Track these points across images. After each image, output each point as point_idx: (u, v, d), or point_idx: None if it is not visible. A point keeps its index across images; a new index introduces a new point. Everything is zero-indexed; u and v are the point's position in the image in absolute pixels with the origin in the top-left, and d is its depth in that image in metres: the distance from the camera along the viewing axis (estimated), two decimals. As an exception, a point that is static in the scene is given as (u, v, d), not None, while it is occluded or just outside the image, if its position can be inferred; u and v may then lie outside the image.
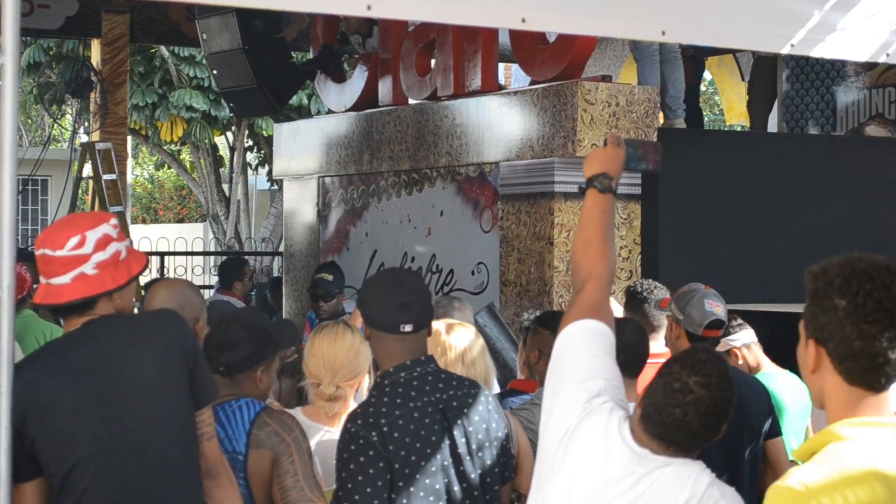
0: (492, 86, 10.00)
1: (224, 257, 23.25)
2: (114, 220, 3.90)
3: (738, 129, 17.00)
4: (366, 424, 4.06)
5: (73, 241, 3.76)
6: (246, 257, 21.63)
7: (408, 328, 4.16)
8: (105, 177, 13.74)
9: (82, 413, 3.69)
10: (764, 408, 5.57)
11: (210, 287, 18.88)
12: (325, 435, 4.76)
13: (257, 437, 4.35)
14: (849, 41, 4.82)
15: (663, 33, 4.39)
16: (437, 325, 5.09)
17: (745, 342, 6.39)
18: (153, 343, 3.82)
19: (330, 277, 9.63)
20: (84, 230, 3.78)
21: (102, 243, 3.80)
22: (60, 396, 3.69)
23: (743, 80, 15.08)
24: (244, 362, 4.49)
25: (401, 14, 4.29)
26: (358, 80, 11.78)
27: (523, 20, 4.12)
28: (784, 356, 5.84)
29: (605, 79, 9.16)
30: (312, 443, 4.66)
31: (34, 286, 5.64)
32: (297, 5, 4.00)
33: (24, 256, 6.06)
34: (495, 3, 4.13)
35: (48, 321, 7.23)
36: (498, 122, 9.46)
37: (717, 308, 5.72)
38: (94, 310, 3.81)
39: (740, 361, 6.29)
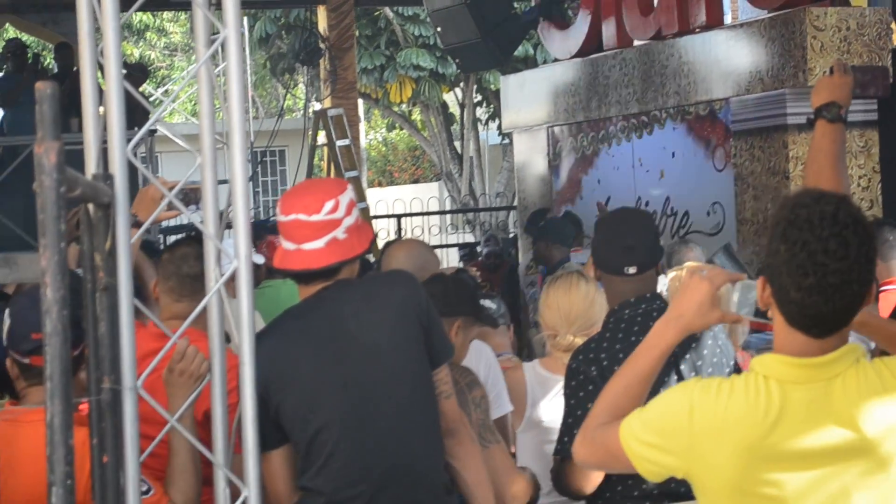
0: (717, 20, 9.82)
1: (460, 215, 23.45)
2: (350, 186, 3.94)
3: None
4: (586, 360, 4.06)
5: (329, 205, 3.76)
6: (482, 213, 21.79)
7: (631, 270, 4.13)
8: (339, 143, 13.99)
9: (322, 378, 3.74)
10: None
11: (448, 245, 18.97)
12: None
13: None
14: None
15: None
16: (678, 268, 5.07)
17: None
18: (387, 305, 3.83)
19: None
20: (337, 195, 3.78)
21: (350, 207, 3.81)
22: (301, 363, 3.74)
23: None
24: (442, 309, 4.48)
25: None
26: (581, 25, 11.69)
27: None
28: None
29: (834, 3, 8.89)
30: (552, 394, 4.67)
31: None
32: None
33: (270, 228, 6.16)
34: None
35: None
36: (726, 57, 9.29)
37: None
38: (338, 275, 3.82)
39: None
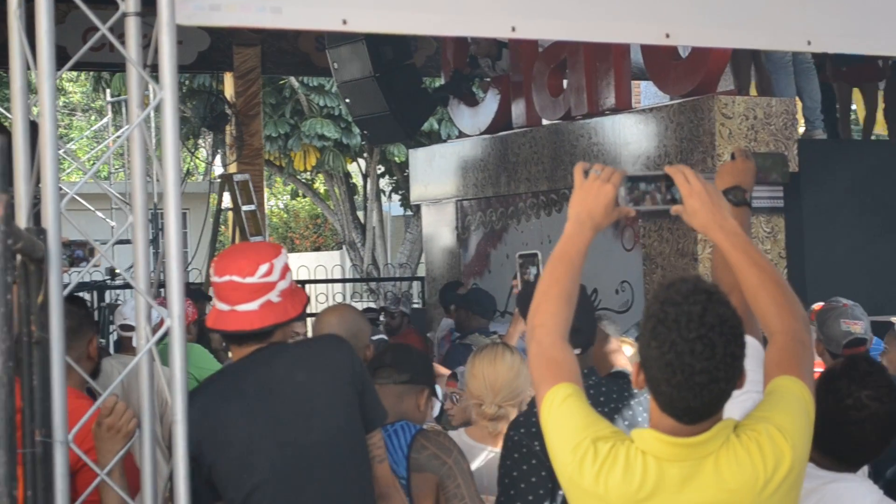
0: (626, 103, 10.00)
1: (364, 283, 23.43)
2: (285, 251, 3.97)
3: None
4: (528, 433, 4.08)
5: (263, 268, 3.80)
6: (385, 282, 21.79)
7: (577, 352, 4.20)
8: (244, 207, 13.93)
9: (257, 439, 3.75)
10: None
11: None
12: (489, 455, 4.80)
13: (417, 461, 4.40)
14: None
15: (809, 43, 4.36)
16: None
17: None
18: (322, 368, 3.87)
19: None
20: (271, 258, 3.83)
21: (284, 272, 3.86)
22: (235, 423, 3.75)
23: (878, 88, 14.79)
24: (414, 377, 4.57)
25: (544, 34, 4.30)
26: (490, 103, 11.84)
27: (667, 35, 4.13)
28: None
29: (741, 92, 9.10)
30: (477, 462, 4.70)
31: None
32: (442, 28, 4.04)
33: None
34: (638, 21, 4.14)
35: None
36: (635, 140, 9.45)
37: (854, 326, 5.58)
38: (272, 337, 3.86)
39: None
